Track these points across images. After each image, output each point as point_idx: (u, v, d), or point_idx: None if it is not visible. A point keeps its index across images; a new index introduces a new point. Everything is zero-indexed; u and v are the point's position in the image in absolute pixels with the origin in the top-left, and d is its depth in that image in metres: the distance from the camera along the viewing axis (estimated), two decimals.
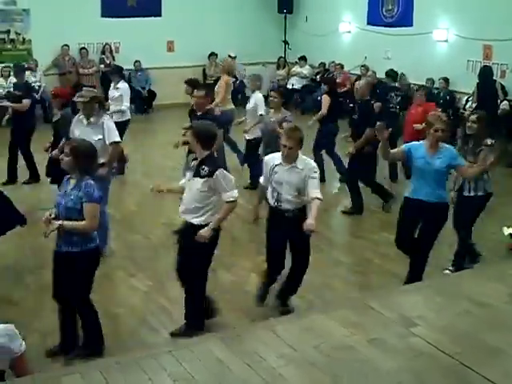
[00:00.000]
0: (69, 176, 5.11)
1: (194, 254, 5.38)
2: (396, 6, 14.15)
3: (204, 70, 16.57)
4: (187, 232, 5.43)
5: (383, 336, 3.97)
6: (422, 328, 4.04)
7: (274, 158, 5.77)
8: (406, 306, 4.43)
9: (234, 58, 16.30)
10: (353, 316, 4.25)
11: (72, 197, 4.93)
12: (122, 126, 10.03)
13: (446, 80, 12.84)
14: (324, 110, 9.89)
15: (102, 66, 15.32)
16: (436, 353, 3.76)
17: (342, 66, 15.17)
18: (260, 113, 9.42)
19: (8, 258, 7.32)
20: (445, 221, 6.14)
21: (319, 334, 3.99)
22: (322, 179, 9.74)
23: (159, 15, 15.83)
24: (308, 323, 4.19)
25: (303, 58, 16.27)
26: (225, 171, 5.38)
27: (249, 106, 9.71)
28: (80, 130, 7.01)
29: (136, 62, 15.45)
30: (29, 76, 14.25)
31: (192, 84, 9.07)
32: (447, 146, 6.02)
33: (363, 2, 14.96)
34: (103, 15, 15.33)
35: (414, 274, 6.10)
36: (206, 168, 5.27)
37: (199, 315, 5.61)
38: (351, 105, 12.12)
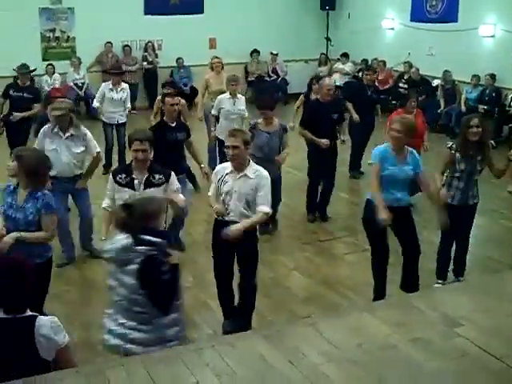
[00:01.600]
0: (13, 185, 4.96)
1: None
2: (440, 1, 13.96)
3: (246, 67, 16.58)
4: None
5: (427, 336, 3.90)
6: (467, 328, 3.95)
7: (224, 168, 5.48)
8: (451, 306, 4.35)
9: (276, 55, 16.32)
10: (396, 315, 4.19)
11: (31, 210, 4.81)
12: (125, 127, 10.20)
13: (493, 76, 12.61)
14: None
15: (145, 63, 15.45)
16: (482, 354, 3.68)
17: (384, 63, 15.02)
18: (247, 115, 9.22)
19: None
20: None
21: (362, 333, 3.95)
22: None
23: (201, 12, 15.91)
24: (350, 321, 4.15)
25: (345, 55, 16.16)
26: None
27: (235, 108, 9.23)
28: (57, 143, 6.76)
29: (178, 59, 15.54)
30: (72, 73, 14.52)
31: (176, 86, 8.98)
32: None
33: None
34: (146, 13, 15.47)
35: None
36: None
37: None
38: (394, 102, 12.02)
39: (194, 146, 7.62)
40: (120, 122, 10.27)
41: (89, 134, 6.96)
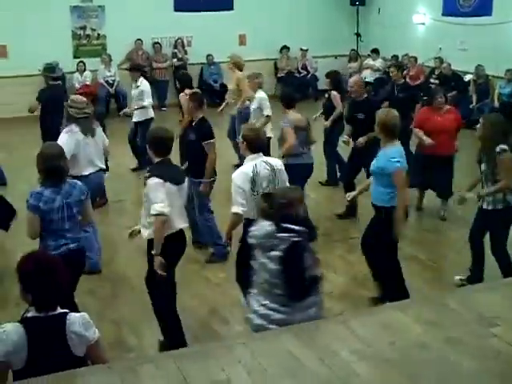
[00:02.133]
0: None
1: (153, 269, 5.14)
2: None
3: (275, 63, 16.54)
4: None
5: (460, 335, 3.84)
6: (503, 329, 3.88)
7: None
8: (485, 305, 4.27)
9: (306, 51, 16.26)
10: (429, 313, 4.14)
11: None
12: (146, 125, 9.64)
13: None
14: (340, 107, 9.26)
15: (175, 60, 15.49)
16: None
17: (415, 59, 14.85)
18: (266, 113, 8.97)
19: None
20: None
21: (394, 331, 3.90)
22: (335, 183, 9.45)
23: (231, 9, 15.91)
24: (382, 319, 4.10)
25: (375, 51, 16.02)
26: (156, 180, 4.98)
27: (252, 106, 9.27)
28: None
29: (208, 55, 15.56)
30: (103, 70, 14.63)
31: (183, 82, 8.96)
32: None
33: None
34: (176, 9, 15.52)
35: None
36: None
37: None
38: (425, 98, 11.83)
39: (210, 156, 6.89)
40: (134, 120, 10.11)
41: (61, 136, 6.60)
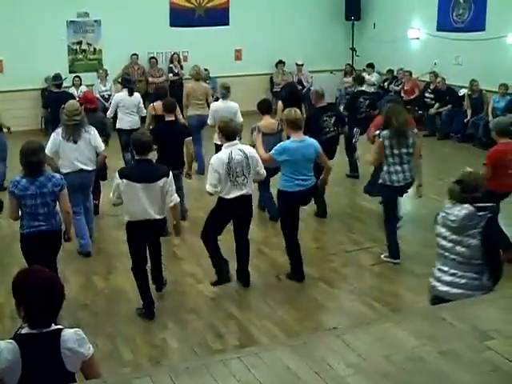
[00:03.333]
0: None
1: None
2: (468, 10, 13.83)
3: (271, 78, 16.60)
4: None
5: (456, 348, 3.84)
6: (498, 342, 3.88)
7: None
8: (481, 318, 4.27)
9: (302, 65, 16.33)
10: (424, 327, 4.13)
11: None
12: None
13: None
14: (278, 114, 9.38)
15: (171, 75, 15.53)
16: None
17: (410, 73, 14.94)
18: (209, 122, 9.49)
19: (76, 262, 7.46)
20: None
21: (389, 344, 3.89)
22: None
23: (227, 24, 15.99)
24: (378, 332, 4.10)
25: (371, 65, 16.09)
26: (115, 174, 6.00)
27: None
28: None
29: (204, 70, 15.59)
30: (99, 85, 14.66)
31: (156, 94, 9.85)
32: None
33: (432, 7, 14.71)
34: (172, 25, 15.59)
35: None
36: None
37: None
38: (420, 112, 11.93)
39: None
40: None
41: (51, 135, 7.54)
